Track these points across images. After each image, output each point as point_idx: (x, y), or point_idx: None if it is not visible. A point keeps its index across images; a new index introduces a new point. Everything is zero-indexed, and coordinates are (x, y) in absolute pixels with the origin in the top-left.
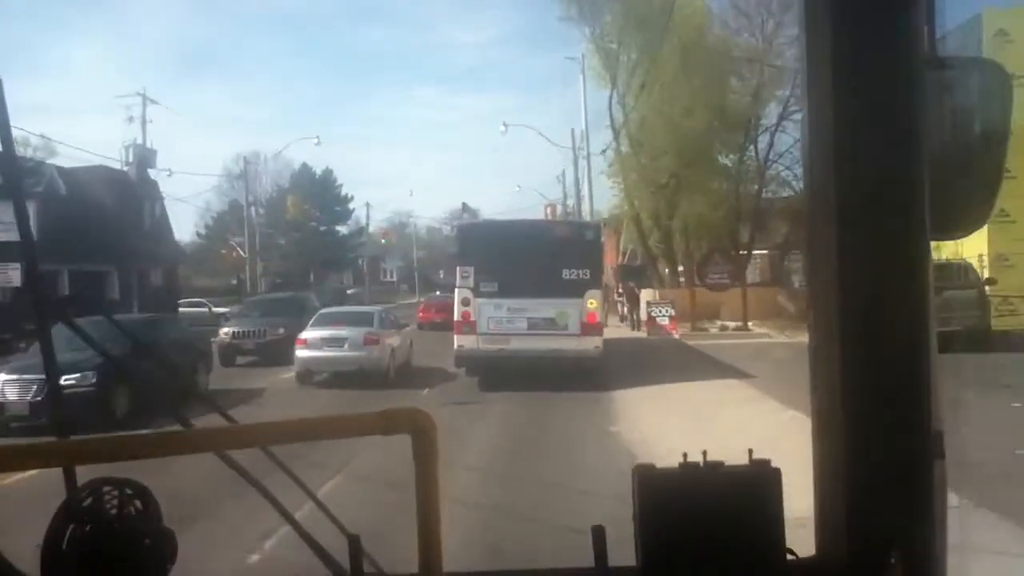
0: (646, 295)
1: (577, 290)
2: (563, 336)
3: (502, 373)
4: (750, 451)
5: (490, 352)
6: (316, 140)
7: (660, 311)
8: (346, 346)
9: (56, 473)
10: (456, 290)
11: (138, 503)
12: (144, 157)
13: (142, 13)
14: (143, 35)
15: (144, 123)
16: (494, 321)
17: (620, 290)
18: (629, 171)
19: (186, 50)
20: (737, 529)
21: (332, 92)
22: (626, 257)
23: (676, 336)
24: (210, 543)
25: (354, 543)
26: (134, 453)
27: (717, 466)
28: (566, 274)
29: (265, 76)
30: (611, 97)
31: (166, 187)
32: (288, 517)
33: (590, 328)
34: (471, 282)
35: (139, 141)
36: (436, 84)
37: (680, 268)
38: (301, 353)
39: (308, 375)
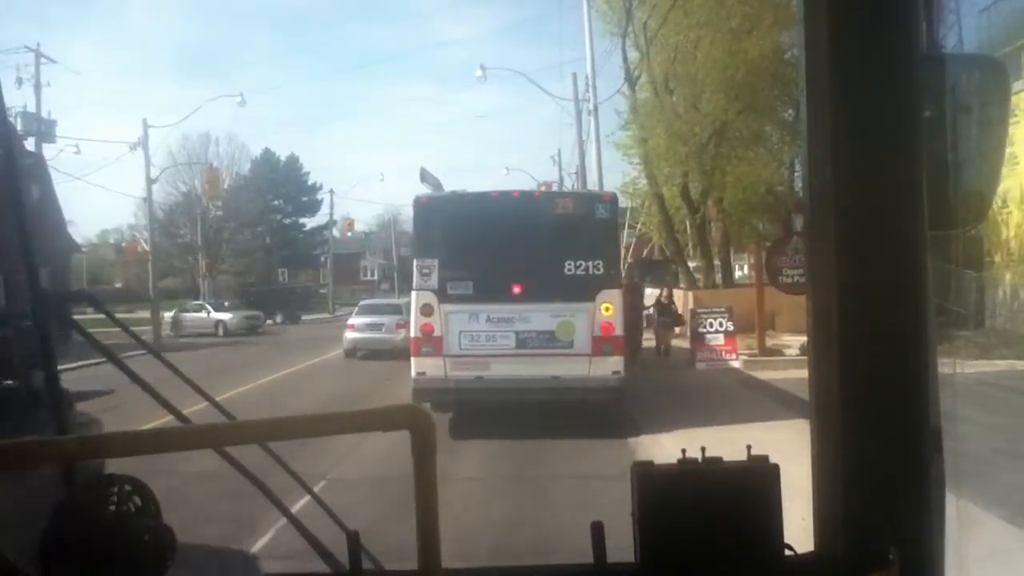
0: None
1: (586, 291)
2: (567, 357)
3: (480, 412)
4: (748, 447)
5: (463, 382)
6: (239, 98)
7: (711, 323)
8: (383, 330)
9: (54, 470)
10: (413, 293)
11: (137, 499)
12: (38, 129)
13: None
14: (142, 33)
15: (38, 86)
16: (468, 337)
17: (666, 295)
18: (652, 127)
19: (184, 50)
20: (736, 525)
21: (322, 87)
22: (630, 252)
23: (735, 363)
24: (209, 539)
25: (353, 539)
26: (132, 449)
27: (716, 462)
28: (570, 267)
29: (258, 72)
30: (625, 28)
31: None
32: (287, 513)
33: (605, 345)
34: (434, 281)
35: (31, 108)
36: (430, 80)
37: (716, 263)
38: (349, 335)
39: (354, 351)
